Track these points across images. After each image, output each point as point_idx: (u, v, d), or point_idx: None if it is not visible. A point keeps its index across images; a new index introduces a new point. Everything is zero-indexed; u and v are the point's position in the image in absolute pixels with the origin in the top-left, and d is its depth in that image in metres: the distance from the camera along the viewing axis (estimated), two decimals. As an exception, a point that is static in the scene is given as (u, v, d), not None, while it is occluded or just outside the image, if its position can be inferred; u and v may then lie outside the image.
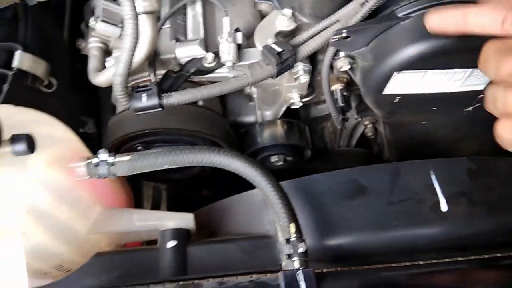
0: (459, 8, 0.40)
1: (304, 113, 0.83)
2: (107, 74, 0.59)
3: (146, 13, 0.49)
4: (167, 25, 0.63)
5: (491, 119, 0.41)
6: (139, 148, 0.62)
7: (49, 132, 0.42)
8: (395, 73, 0.53)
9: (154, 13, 0.50)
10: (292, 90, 0.65)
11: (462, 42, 0.48)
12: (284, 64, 0.54)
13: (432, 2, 0.51)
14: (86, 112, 0.85)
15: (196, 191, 0.90)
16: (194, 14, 0.65)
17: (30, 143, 0.36)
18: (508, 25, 0.37)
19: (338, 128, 0.72)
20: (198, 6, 0.65)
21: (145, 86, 0.50)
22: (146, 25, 0.50)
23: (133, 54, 0.45)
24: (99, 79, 0.60)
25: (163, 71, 0.62)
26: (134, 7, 0.44)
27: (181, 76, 0.57)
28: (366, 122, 0.76)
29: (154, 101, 0.49)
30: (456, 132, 0.70)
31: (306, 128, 0.74)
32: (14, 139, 0.37)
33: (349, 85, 0.70)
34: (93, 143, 0.76)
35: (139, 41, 0.49)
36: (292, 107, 0.68)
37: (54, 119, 0.45)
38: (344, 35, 0.53)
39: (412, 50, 0.51)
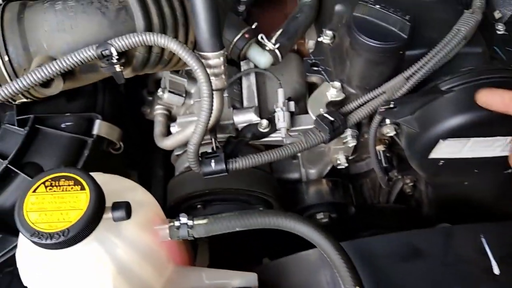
0: (508, 92, 0.45)
1: (345, 170, 0.87)
2: (173, 139, 0.66)
3: (217, 90, 0.55)
4: (225, 94, 0.70)
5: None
6: (198, 206, 0.67)
7: (136, 197, 0.47)
8: (440, 140, 0.57)
9: (223, 90, 0.56)
10: (339, 152, 0.70)
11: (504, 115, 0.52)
12: (335, 132, 0.59)
13: (472, 78, 0.56)
14: (132, 165, 0.91)
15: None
16: (249, 84, 0.72)
17: (128, 210, 0.42)
18: None
19: (384, 187, 0.76)
20: (252, 77, 0.72)
21: (213, 152, 0.56)
22: (216, 100, 0.56)
23: (207, 126, 0.51)
24: (166, 143, 0.66)
25: (222, 135, 0.69)
26: (211, 86, 0.50)
27: (241, 142, 0.63)
28: (407, 181, 0.80)
29: (221, 166, 0.54)
30: (496, 191, 0.73)
31: (350, 186, 0.78)
32: (115, 206, 0.42)
33: (391, 145, 0.74)
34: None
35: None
36: (338, 167, 0.72)
37: (139, 186, 0.51)
38: (391, 105, 0.59)
39: (457, 120, 0.55)
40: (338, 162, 0.71)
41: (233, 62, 0.72)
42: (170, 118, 0.73)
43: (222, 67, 0.54)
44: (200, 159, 0.55)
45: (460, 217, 0.78)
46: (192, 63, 0.50)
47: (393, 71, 0.59)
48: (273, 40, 0.67)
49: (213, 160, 0.54)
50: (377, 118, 0.62)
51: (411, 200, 0.89)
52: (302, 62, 0.80)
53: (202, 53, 0.53)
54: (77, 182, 0.42)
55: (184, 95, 0.71)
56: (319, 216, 0.76)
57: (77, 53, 0.49)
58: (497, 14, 0.74)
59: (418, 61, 0.57)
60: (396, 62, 0.58)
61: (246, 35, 0.65)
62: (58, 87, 0.53)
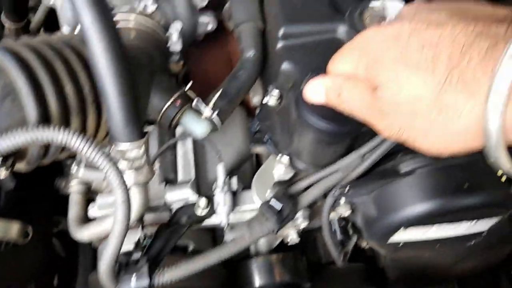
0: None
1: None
2: (90, 232, 0.54)
3: (138, 184, 0.45)
4: (156, 165, 0.60)
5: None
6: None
7: None
8: (402, 228, 0.51)
9: (146, 183, 0.46)
10: (290, 228, 0.62)
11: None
12: (284, 221, 0.51)
13: (432, 161, 0.49)
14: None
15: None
16: (185, 151, 0.62)
17: None
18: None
19: (339, 265, 0.68)
20: (189, 143, 0.62)
21: (134, 262, 0.45)
22: (138, 196, 0.46)
23: (122, 242, 0.41)
24: (81, 235, 0.55)
25: (152, 215, 0.58)
26: (127, 192, 0.40)
27: (175, 232, 0.52)
28: (365, 244, 0.73)
29: (145, 282, 0.44)
30: (455, 258, 0.68)
31: (303, 259, 0.70)
32: None
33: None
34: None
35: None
36: (289, 244, 0.64)
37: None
38: (347, 189, 0.52)
39: (420, 208, 0.49)
40: (290, 238, 0.63)
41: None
42: (90, 194, 0.61)
43: (144, 158, 0.44)
44: (118, 268, 0.45)
45: (417, 278, 0.75)
46: (100, 163, 0.39)
47: (348, 149, 0.52)
48: (211, 105, 0.57)
49: (134, 276, 0.44)
50: (330, 199, 0.54)
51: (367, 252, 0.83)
52: (248, 117, 0.71)
53: (118, 146, 0.42)
54: None
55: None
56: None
57: None
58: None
59: (376, 137, 0.50)
60: (351, 140, 0.51)
61: (178, 102, 0.54)
62: None
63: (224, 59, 0.83)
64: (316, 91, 0.44)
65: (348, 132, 0.46)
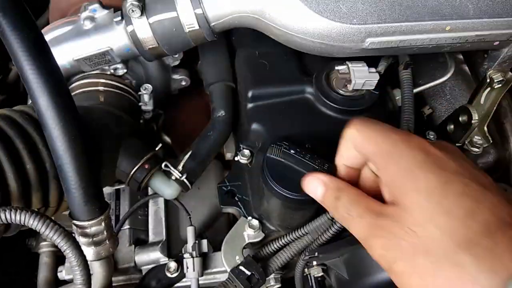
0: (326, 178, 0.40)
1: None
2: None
3: (101, 259, 0.44)
4: (126, 225, 0.59)
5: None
6: None
7: None
8: (373, 292, 0.50)
9: (109, 257, 0.45)
10: (263, 288, 0.61)
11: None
12: (254, 287, 0.50)
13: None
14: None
15: None
16: (156, 210, 0.61)
17: None
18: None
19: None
20: (161, 201, 0.62)
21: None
22: (101, 270, 0.45)
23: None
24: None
25: (122, 278, 0.57)
26: (87, 272, 0.39)
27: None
28: None
29: None
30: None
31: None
32: None
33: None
34: None
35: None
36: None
37: None
38: (316, 254, 0.51)
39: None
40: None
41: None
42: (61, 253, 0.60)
43: (105, 233, 0.44)
44: None
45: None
46: (58, 242, 0.39)
47: (316, 212, 0.52)
48: (180, 167, 0.57)
49: None
50: (301, 263, 0.54)
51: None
52: (222, 171, 0.71)
53: (77, 223, 0.42)
54: None
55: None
56: None
57: None
58: (427, 110, 0.70)
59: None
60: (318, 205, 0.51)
61: (146, 165, 0.54)
62: None
63: (201, 108, 0.83)
64: (313, 186, 0.40)
65: (313, 199, 0.46)
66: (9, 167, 0.41)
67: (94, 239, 0.43)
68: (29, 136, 0.44)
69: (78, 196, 0.40)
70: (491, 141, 0.59)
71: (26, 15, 0.38)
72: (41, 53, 0.38)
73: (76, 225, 0.42)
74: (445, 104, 0.69)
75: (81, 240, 0.43)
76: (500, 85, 0.56)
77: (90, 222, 0.42)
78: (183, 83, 0.69)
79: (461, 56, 0.70)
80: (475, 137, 0.59)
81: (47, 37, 0.59)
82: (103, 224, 0.43)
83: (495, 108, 0.58)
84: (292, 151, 0.46)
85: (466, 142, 0.60)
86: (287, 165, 0.46)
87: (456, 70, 0.68)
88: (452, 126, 0.61)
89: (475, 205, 0.31)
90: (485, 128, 0.59)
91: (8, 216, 0.38)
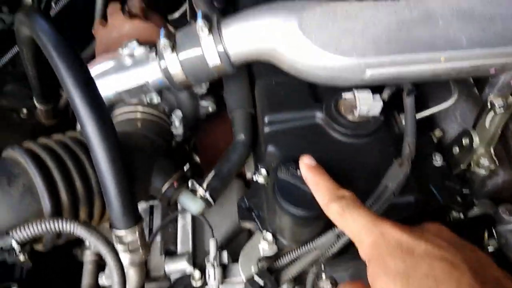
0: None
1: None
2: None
3: (134, 265, 0.52)
4: (158, 238, 0.67)
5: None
6: None
7: None
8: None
9: (141, 264, 0.53)
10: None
11: None
12: (267, 297, 0.56)
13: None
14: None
15: None
16: (184, 224, 0.69)
17: None
18: None
19: None
20: (188, 216, 0.69)
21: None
22: (134, 276, 0.52)
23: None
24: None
25: (153, 285, 0.64)
26: (123, 275, 0.47)
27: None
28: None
29: None
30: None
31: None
32: None
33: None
34: None
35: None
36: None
37: None
38: (323, 268, 0.56)
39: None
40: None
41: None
42: (103, 261, 0.68)
43: (139, 242, 0.51)
44: None
45: None
46: (101, 249, 0.47)
47: (324, 227, 0.56)
48: (204, 185, 0.64)
49: None
50: (311, 276, 0.59)
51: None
52: (243, 190, 0.77)
53: (116, 232, 0.50)
54: None
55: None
56: None
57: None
58: (438, 133, 0.73)
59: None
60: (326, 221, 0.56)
61: (175, 183, 0.62)
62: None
63: (228, 131, 0.91)
64: None
65: (319, 216, 0.52)
66: (62, 184, 0.50)
67: (129, 247, 0.51)
68: (78, 157, 0.53)
69: (117, 207, 0.48)
70: (497, 164, 0.61)
71: (75, 55, 0.47)
72: (88, 88, 0.47)
73: (115, 234, 0.50)
74: (456, 127, 0.72)
75: (119, 247, 0.50)
76: (502, 111, 0.59)
77: (126, 231, 0.49)
78: (210, 109, 0.77)
79: (471, 80, 0.73)
80: (481, 159, 0.62)
81: (94, 71, 0.69)
82: (137, 233, 0.50)
83: (499, 131, 0.60)
84: (299, 172, 0.52)
85: (472, 164, 0.63)
86: (294, 185, 0.52)
87: (467, 94, 0.71)
88: (457, 149, 0.64)
89: (435, 285, 0.36)
90: (492, 151, 0.62)
91: (61, 226, 0.47)
